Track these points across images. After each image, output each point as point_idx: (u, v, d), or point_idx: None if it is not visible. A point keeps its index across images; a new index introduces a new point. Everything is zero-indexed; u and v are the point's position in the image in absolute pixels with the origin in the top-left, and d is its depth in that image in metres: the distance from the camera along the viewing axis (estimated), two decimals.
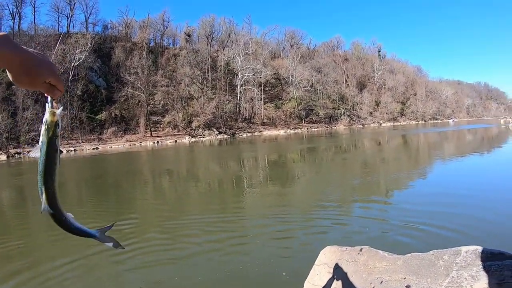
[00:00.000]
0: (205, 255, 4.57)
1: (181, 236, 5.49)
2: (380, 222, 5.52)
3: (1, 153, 51.59)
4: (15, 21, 63.72)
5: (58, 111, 0.90)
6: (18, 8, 63.69)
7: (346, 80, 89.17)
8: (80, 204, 8.95)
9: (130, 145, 50.59)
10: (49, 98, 0.89)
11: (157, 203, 8.46)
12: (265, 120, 69.04)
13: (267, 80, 71.34)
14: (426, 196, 7.24)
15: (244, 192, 9.37)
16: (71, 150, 51.06)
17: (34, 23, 64.40)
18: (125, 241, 5.16)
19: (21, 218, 7.93)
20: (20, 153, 51.54)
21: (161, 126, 59.42)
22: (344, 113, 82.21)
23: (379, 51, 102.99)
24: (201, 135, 58.49)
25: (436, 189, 7.85)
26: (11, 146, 53.44)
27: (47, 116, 0.89)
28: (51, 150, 0.89)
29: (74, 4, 65.79)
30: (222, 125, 61.94)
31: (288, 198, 8.36)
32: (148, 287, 3.59)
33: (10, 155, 50.81)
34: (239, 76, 66.84)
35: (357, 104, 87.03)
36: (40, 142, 0.89)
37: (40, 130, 0.89)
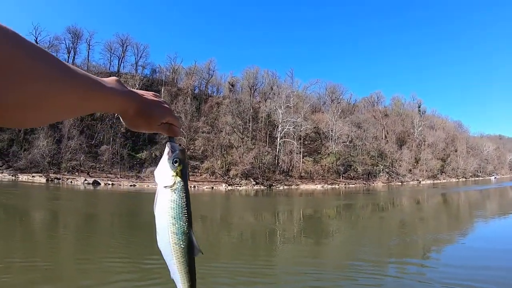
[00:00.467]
0: None
1: (210, 283, 5.32)
2: (417, 284, 5.29)
3: (42, 176, 53.70)
4: (70, 55, 67.71)
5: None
6: (74, 43, 67.90)
7: (385, 136, 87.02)
8: (111, 234, 9.42)
9: None
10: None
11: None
12: (302, 174, 67.49)
13: (306, 133, 70.57)
14: (467, 258, 6.93)
15: (277, 245, 9.41)
16: (109, 184, 51.73)
17: (88, 59, 68.44)
18: (149, 277, 5.48)
19: (51, 240, 8.18)
20: (59, 178, 53.57)
21: (199, 171, 59.15)
22: (383, 169, 79.38)
23: (419, 107, 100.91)
24: (238, 184, 57.63)
25: (478, 251, 7.57)
26: (52, 170, 55.52)
27: (179, 155, 0.81)
28: (187, 193, 0.81)
29: (126, 46, 69.23)
30: (259, 176, 60.91)
31: (322, 254, 8.24)
32: None
33: (49, 179, 52.27)
34: (279, 128, 66.46)
35: (396, 160, 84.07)
36: (169, 183, 0.79)
37: (163, 171, 0.80)
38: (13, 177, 52.75)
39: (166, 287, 4.69)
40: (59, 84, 0.46)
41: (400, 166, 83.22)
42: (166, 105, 0.80)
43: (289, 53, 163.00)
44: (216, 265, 6.65)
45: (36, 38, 71.71)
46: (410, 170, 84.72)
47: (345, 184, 67.45)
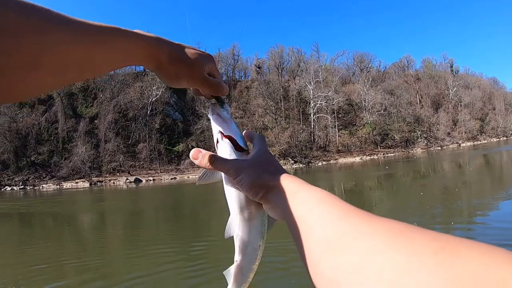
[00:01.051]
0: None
1: (263, 262, 4.33)
2: None
3: (85, 181, 54.89)
4: None
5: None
6: None
7: (420, 101, 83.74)
8: (157, 227, 9.77)
9: None
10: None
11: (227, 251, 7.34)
12: (340, 148, 65.92)
13: (339, 106, 68.67)
14: None
15: None
16: (150, 180, 52.16)
17: None
18: (195, 262, 5.76)
19: (99, 239, 8.50)
20: (101, 181, 54.65)
21: None
22: (420, 135, 76.58)
23: (451, 66, 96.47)
24: None
25: None
26: (93, 174, 56.64)
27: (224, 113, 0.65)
28: None
29: None
30: (297, 154, 59.85)
31: None
32: None
33: (92, 183, 53.45)
34: (312, 105, 64.98)
35: (434, 125, 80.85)
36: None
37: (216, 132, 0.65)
38: (58, 186, 54.02)
39: (215, 270, 5.05)
40: (56, 34, 0.37)
41: (438, 130, 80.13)
42: (201, 51, 0.61)
43: (312, 27, 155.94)
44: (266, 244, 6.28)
45: None
46: (449, 133, 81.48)
47: (383, 154, 65.68)
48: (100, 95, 64.01)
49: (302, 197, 0.40)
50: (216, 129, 0.64)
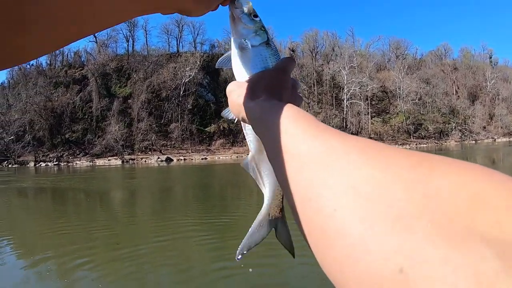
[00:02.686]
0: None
1: (296, 241, 3.51)
2: None
3: (117, 159, 55.59)
4: (129, 43, 69.49)
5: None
6: (131, 31, 69.50)
7: (456, 91, 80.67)
8: (186, 206, 9.93)
9: (237, 156, 50.89)
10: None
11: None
12: (372, 135, 64.19)
13: (373, 93, 67.00)
14: None
15: None
16: (181, 159, 52.31)
17: (147, 44, 69.89)
18: (219, 234, 6.27)
19: (129, 213, 8.75)
20: (133, 159, 55.28)
21: None
22: (455, 127, 73.84)
23: (490, 57, 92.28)
24: None
25: None
26: (126, 152, 57.29)
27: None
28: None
29: (182, 26, 69.69)
30: None
31: None
32: None
33: (124, 161, 54.07)
34: (345, 90, 63.60)
35: (469, 117, 77.72)
36: (258, 40, 0.58)
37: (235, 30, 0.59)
38: (91, 163, 54.80)
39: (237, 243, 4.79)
40: None
41: (473, 123, 76.98)
42: None
43: (347, 11, 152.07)
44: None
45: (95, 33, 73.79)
46: (484, 127, 78.10)
47: (416, 144, 63.89)
48: (133, 75, 64.47)
49: (276, 117, 0.38)
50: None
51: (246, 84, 0.51)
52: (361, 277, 0.21)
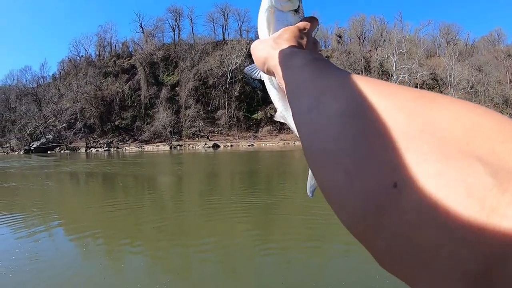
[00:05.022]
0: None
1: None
2: None
3: (165, 144, 56.80)
4: (175, 32, 70.70)
5: None
6: (177, 21, 70.81)
7: (510, 80, 76.35)
8: (232, 190, 10.04)
9: (284, 143, 50.65)
10: None
11: (303, 204, 7.42)
12: None
13: (423, 81, 64.56)
14: None
15: None
16: (228, 146, 52.58)
17: (193, 33, 71.09)
18: (263, 216, 6.46)
19: (176, 201, 8.63)
20: (181, 145, 56.39)
21: None
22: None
23: None
24: None
25: None
26: (173, 138, 58.45)
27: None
28: None
29: (227, 14, 70.27)
30: None
31: None
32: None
33: (172, 147, 55.09)
34: (394, 77, 61.49)
35: None
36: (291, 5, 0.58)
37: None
38: (139, 149, 56.18)
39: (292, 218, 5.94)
40: None
41: None
42: None
43: None
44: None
45: (141, 24, 75.69)
46: None
47: None
48: (180, 63, 65.48)
49: (297, 59, 0.40)
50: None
51: (268, 39, 0.53)
52: (357, 191, 0.22)
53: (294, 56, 0.41)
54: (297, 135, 0.52)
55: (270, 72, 0.50)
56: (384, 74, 63.90)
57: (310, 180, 0.61)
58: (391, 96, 0.24)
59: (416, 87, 61.69)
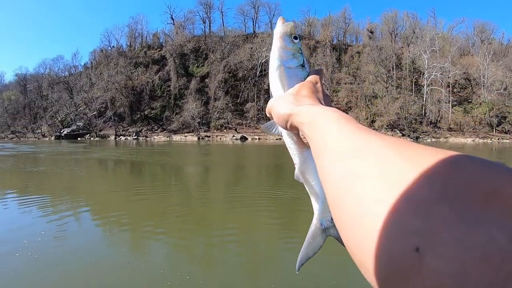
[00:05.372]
0: None
1: None
2: None
3: (193, 135, 57.36)
4: (206, 24, 71.61)
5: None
6: (208, 13, 71.62)
7: None
8: (258, 183, 10.01)
9: None
10: None
11: None
12: (451, 126, 60.60)
13: (455, 80, 63.08)
14: None
15: None
16: (256, 139, 52.76)
17: (223, 25, 71.80)
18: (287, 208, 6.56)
19: (202, 191, 8.75)
20: (209, 136, 56.87)
21: None
22: None
23: None
24: None
25: None
26: (202, 129, 59.16)
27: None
28: None
29: (258, 7, 70.46)
30: (405, 127, 56.34)
31: None
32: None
33: (200, 137, 55.63)
34: (426, 75, 60.48)
35: None
36: (295, 62, 0.64)
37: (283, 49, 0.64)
38: (168, 138, 57.05)
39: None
40: None
41: None
42: None
43: None
44: None
45: (172, 15, 76.74)
46: None
47: (498, 139, 58.80)
48: (210, 55, 66.06)
49: (324, 119, 0.42)
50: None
51: (286, 96, 0.55)
52: (381, 254, 0.23)
53: (323, 117, 0.43)
54: (314, 191, 0.62)
55: (293, 128, 0.51)
56: (416, 72, 62.88)
57: (303, 252, 0.63)
58: (415, 160, 0.26)
59: (448, 86, 60.75)
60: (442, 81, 60.73)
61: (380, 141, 0.30)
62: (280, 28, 0.64)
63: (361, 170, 0.29)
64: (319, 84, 0.59)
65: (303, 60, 0.63)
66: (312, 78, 0.60)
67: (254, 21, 71.67)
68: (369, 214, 0.25)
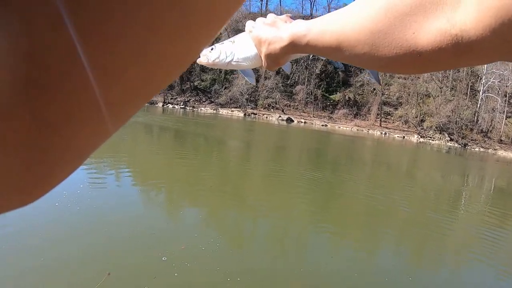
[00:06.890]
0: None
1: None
2: None
3: (240, 111, 58.15)
4: (263, 2, 72.01)
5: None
6: None
7: None
8: (298, 165, 10.16)
9: (357, 129, 50.69)
10: None
11: (365, 191, 7.62)
12: (503, 138, 58.51)
13: None
14: None
15: (457, 212, 7.74)
16: (301, 122, 53.01)
17: (280, 5, 72.06)
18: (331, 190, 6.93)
19: (241, 166, 8.80)
20: (255, 114, 57.47)
21: (392, 118, 56.42)
22: None
23: None
24: (430, 137, 53.24)
25: None
26: (249, 106, 59.83)
27: None
28: None
29: None
30: (455, 132, 54.93)
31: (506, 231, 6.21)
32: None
33: (246, 114, 56.50)
34: (483, 81, 58.55)
35: None
36: None
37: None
38: (214, 111, 58.14)
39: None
40: None
41: None
42: None
43: None
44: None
45: None
46: None
47: None
48: None
49: (315, 21, 0.55)
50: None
51: (264, 26, 0.68)
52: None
53: (311, 21, 0.57)
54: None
55: (282, 51, 0.62)
56: (473, 76, 61.04)
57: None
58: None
59: (505, 96, 58.68)
60: (499, 89, 58.71)
61: None
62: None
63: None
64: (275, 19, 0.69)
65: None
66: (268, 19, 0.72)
67: (312, 3, 72.35)
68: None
